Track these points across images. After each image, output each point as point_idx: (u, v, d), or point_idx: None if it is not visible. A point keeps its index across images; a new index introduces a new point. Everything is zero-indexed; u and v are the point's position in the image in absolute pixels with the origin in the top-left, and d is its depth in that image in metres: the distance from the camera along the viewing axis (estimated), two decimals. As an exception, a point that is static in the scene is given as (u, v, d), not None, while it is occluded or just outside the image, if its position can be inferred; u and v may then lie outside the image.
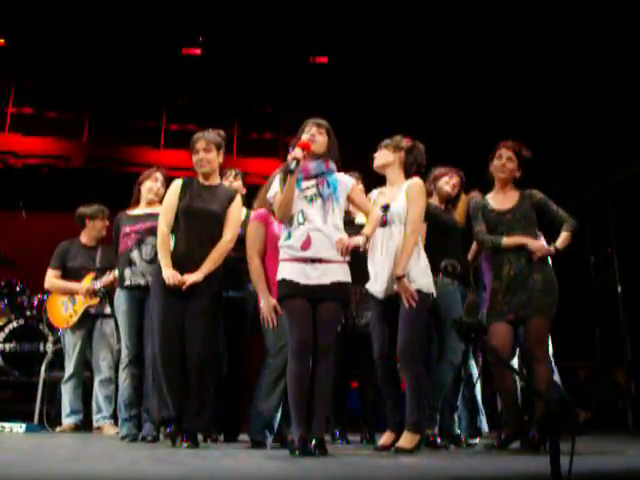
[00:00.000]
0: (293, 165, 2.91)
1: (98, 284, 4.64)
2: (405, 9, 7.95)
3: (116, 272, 4.19)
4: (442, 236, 3.64)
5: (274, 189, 3.09)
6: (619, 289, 7.76)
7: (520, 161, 3.60)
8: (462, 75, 8.83)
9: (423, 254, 3.27)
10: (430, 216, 3.54)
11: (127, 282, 3.89)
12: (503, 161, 3.60)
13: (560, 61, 7.90)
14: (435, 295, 3.27)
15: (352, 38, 8.79)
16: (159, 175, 4.12)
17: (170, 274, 3.24)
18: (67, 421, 4.63)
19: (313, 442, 2.77)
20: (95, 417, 4.57)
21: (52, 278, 4.78)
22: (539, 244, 3.47)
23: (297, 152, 2.95)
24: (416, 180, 3.32)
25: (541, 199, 3.59)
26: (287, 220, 3.01)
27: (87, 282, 4.69)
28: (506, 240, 3.49)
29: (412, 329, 3.13)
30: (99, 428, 4.53)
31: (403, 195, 3.27)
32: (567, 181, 8.00)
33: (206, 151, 3.47)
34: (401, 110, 9.05)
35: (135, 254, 3.89)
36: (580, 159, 8.09)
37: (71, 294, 4.71)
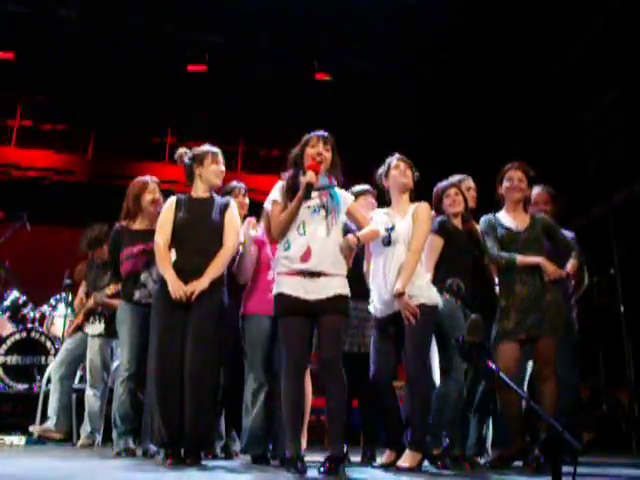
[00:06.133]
0: (308, 191, 2.86)
1: (92, 300, 4.58)
2: (407, 27, 8.04)
3: (113, 288, 4.20)
4: (457, 255, 3.57)
5: (274, 196, 3.01)
6: (622, 309, 7.73)
7: (529, 180, 3.67)
8: (467, 96, 8.91)
9: (424, 270, 3.25)
10: (447, 234, 3.54)
11: (136, 298, 3.82)
12: (515, 182, 3.65)
13: (561, 83, 7.96)
14: (440, 304, 3.23)
15: (355, 56, 8.90)
16: (154, 185, 4.01)
17: (176, 287, 3.16)
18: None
19: (333, 463, 2.65)
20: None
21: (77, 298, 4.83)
22: (554, 266, 3.48)
23: (311, 176, 2.88)
24: (424, 204, 3.31)
25: (551, 225, 3.66)
26: (280, 239, 2.95)
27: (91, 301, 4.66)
28: (521, 258, 3.50)
29: (419, 347, 3.11)
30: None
31: (409, 217, 3.26)
32: (570, 202, 8.00)
33: (225, 165, 3.56)
34: (401, 129, 9.10)
35: (144, 276, 3.80)
36: (583, 180, 8.10)
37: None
